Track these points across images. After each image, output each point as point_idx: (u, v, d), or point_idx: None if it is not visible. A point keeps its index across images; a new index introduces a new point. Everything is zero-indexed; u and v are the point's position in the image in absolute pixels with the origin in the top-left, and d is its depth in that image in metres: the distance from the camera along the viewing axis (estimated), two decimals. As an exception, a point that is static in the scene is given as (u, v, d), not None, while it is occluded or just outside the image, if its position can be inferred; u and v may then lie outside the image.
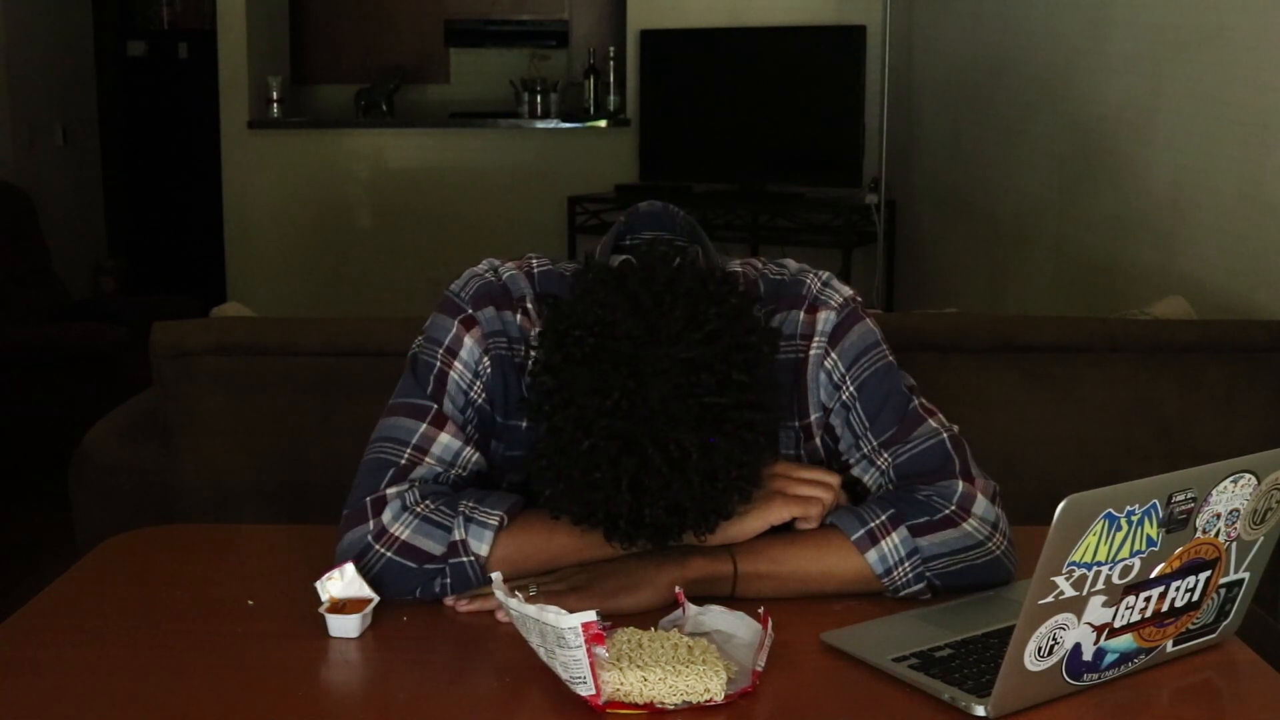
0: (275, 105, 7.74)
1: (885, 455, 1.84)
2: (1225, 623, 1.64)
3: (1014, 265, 5.35)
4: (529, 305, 1.84)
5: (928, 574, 1.76)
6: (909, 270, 6.76)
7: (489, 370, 1.84)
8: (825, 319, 1.85)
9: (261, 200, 7.66)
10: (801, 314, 1.86)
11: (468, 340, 1.83)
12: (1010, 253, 5.39)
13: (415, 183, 7.74)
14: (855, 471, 1.85)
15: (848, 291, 1.90)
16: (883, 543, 1.75)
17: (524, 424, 1.84)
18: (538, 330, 1.70)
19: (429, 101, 8.45)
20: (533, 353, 1.72)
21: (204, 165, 7.96)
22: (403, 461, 1.80)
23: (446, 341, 1.84)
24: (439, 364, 1.84)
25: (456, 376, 1.83)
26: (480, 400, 1.84)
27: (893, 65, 6.45)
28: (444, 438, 1.82)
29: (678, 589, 1.68)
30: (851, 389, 1.84)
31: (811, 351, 1.85)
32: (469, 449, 1.83)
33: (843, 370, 1.84)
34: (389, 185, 7.76)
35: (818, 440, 1.88)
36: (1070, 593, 1.43)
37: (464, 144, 7.73)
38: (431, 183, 7.73)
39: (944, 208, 6.27)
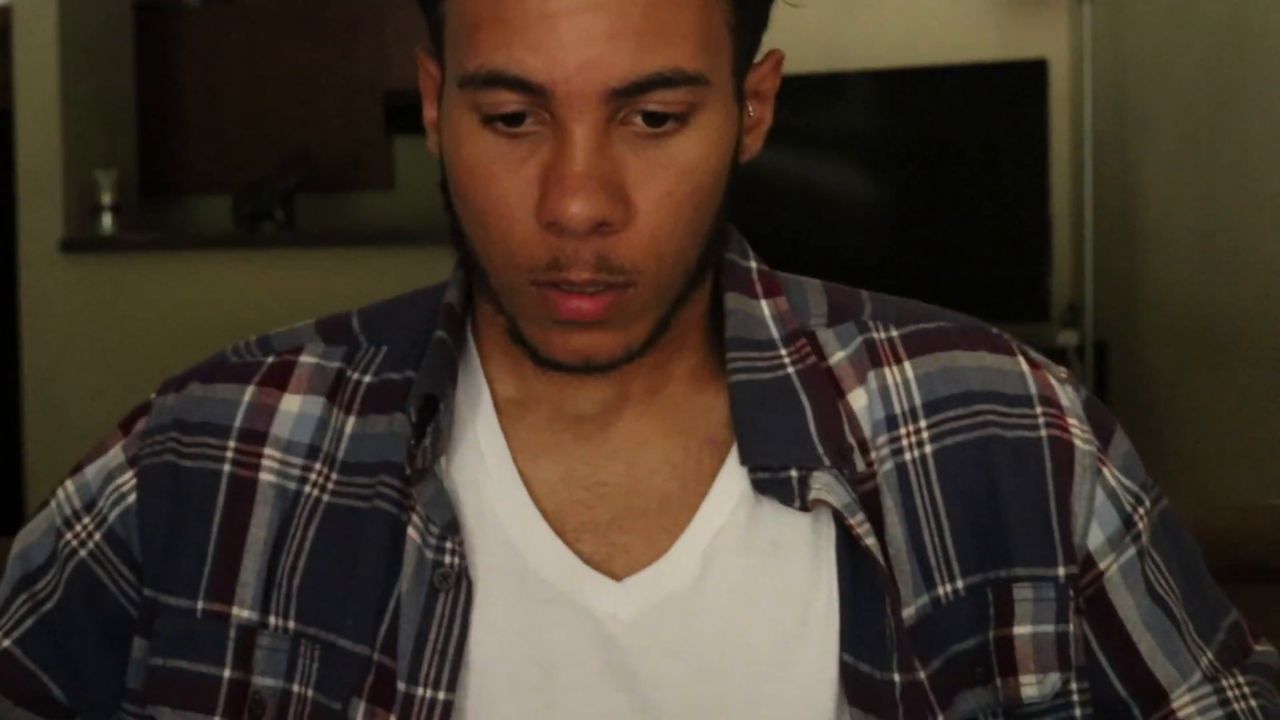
0: (108, 216, 5.74)
1: (1228, 673, 1.14)
2: None
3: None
4: (307, 358, 1.13)
5: None
6: (1136, 446, 4.82)
7: (128, 496, 1.11)
8: (1065, 392, 1.14)
9: (81, 363, 5.73)
10: (1023, 364, 1.13)
11: (110, 450, 1.14)
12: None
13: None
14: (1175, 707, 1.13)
15: None
16: None
17: (206, 605, 1.08)
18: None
19: (361, 213, 6.50)
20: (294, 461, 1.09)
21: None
22: None
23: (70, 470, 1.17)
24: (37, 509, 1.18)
25: (43, 520, 1.15)
26: (88, 559, 1.11)
27: (1097, 121, 5.00)
28: None
29: None
30: (1148, 535, 1.14)
31: (1077, 439, 1.12)
32: None
33: (1135, 495, 1.14)
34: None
35: (1076, 623, 1.11)
36: None
37: (415, 273, 5.42)
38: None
39: (1193, 347, 4.99)
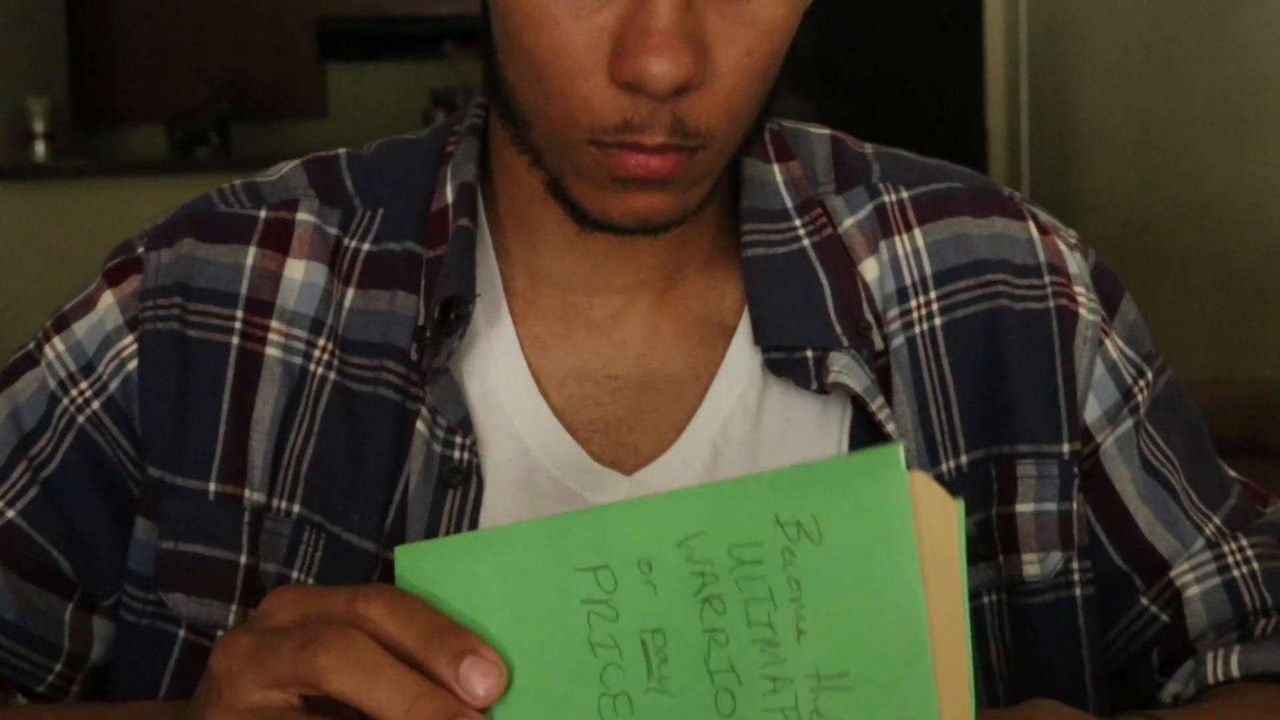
0: (41, 144, 5.60)
1: (1232, 538, 1.08)
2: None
3: (1260, 331, 4.36)
4: (305, 216, 1.04)
5: None
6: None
7: (128, 363, 1.02)
8: (1074, 258, 1.09)
9: (16, 291, 5.51)
10: (1032, 229, 1.08)
11: (99, 305, 1.03)
12: (1253, 312, 4.38)
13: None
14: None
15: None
16: None
17: (219, 487, 1.00)
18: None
19: (295, 142, 6.24)
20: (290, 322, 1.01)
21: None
22: None
23: (51, 321, 1.06)
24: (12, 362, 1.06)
25: (33, 380, 1.03)
26: (87, 426, 1.01)
27: (1032, 37, 5.05)
28: None
29: None
30: (1146, 407, 1.09)
31: (1083, 309, 1.07)
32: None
33: (1136, 367, 1.08)
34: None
35: (1080, 502, 1.06)
36: None
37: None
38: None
39: (1129, 248, 4.90)
